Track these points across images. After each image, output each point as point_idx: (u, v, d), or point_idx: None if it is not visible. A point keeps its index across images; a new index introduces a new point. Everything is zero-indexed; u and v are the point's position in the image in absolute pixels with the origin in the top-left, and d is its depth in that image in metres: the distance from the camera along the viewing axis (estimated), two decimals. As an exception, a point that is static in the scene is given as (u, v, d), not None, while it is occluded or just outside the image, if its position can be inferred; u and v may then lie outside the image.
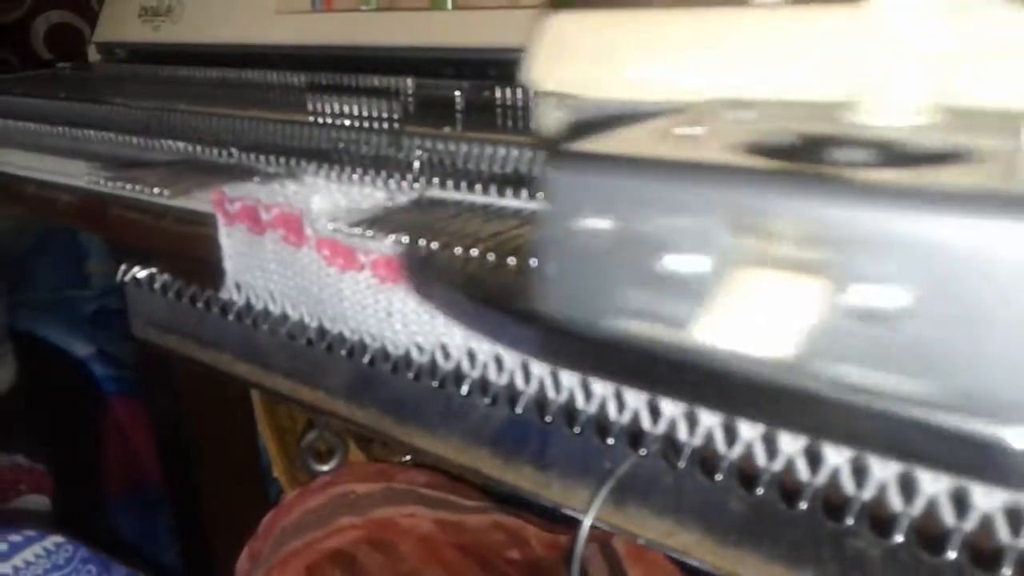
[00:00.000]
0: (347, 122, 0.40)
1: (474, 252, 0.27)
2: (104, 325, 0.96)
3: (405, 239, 0.29)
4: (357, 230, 0.31)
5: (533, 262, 0.23)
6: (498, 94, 0.44)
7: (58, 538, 0.52)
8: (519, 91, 0.44)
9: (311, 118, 0.40)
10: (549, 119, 0.28)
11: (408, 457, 0.70)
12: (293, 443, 0.67)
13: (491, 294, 0.24)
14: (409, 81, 0.47)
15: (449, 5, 0.54)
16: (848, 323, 0.18)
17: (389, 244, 0.31)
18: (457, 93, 0.45)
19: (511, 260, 0.26)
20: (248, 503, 0.71)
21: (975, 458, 0.17)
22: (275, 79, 0.55)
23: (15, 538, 0.51)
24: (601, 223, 0.20)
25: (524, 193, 0.31)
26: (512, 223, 0.29)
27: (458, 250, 0.28)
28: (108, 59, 0.73)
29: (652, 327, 0.20)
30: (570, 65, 0.28)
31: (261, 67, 0.56)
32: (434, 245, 0.28)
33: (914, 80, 0.21)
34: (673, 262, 0.19)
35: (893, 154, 0.19)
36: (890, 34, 0.22)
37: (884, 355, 0.17)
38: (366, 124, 0.39)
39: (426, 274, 0.28)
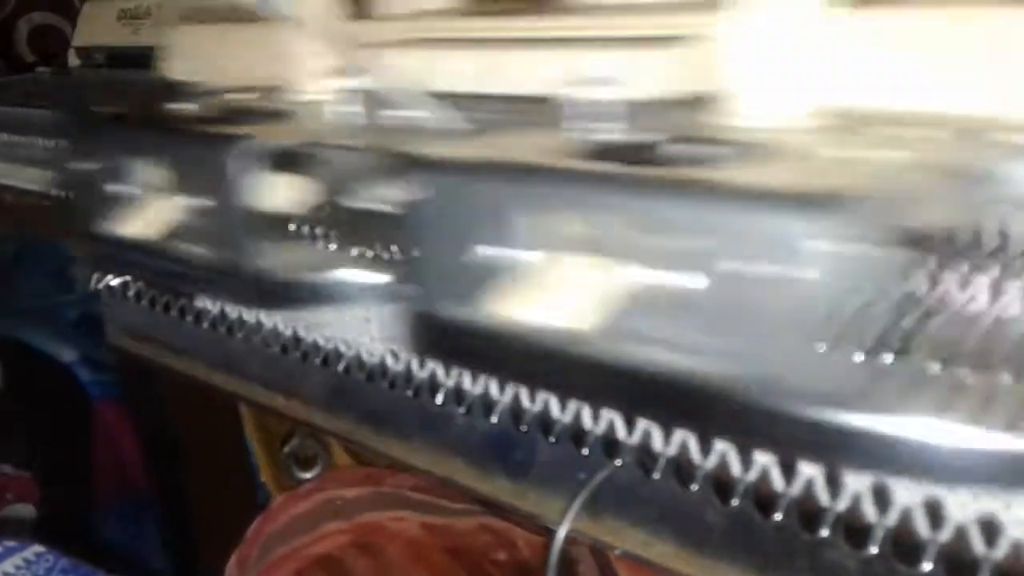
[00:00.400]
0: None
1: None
2: (89, 331, 0.95)
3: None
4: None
5: None
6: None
7: (38, 548, 0.51)
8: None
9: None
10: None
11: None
12: (280, 448, 0.66)
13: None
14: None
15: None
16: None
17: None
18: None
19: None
20: (236, 508, 0.71)
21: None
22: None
23: None
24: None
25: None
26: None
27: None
28: (87, 63, 0.73)
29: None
30: (188, 62, 0.40)
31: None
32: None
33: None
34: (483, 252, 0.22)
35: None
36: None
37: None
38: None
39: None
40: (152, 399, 0.72)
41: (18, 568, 0.49)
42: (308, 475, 0.60)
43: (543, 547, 0.60)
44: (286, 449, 0.61)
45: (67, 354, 0.90)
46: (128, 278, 0.42)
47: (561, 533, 0.27)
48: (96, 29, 0.72)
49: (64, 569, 0.51)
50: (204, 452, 0.73)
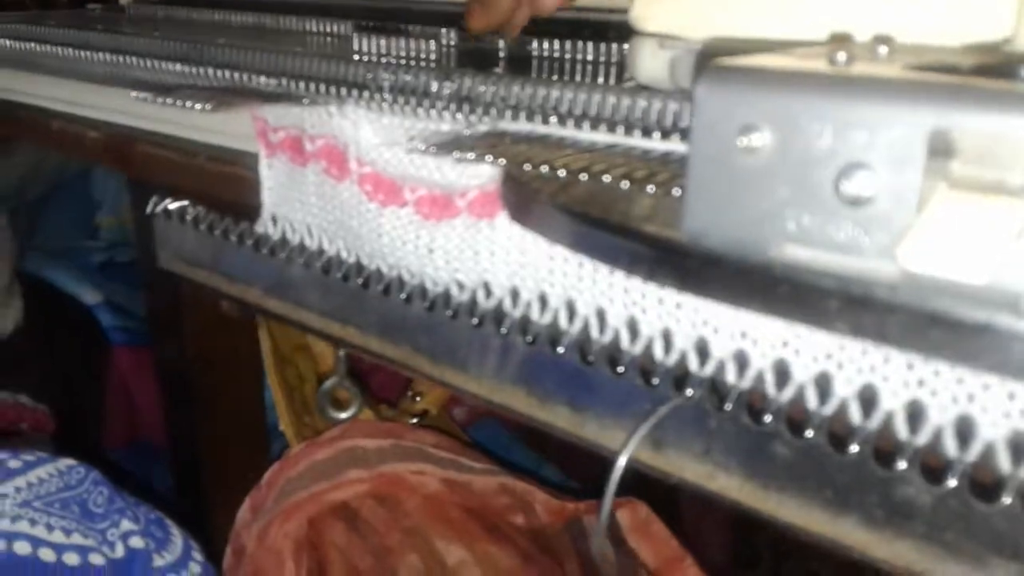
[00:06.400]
0: (392, 60, 0.39)
1: (583, 176, 0.26)
2: (112, 276, 0.95)
3: (502, 162, 0.28)
4: (438, 152, 0.30)
5: (679, 188, 0.23)
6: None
7: (70, 461, 0.52)
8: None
9: (355, 56, 0.40)
10: (648, 60, 0.28)
11: (415, 420, 0.70)
12: (301, 398, 0.67)
13: (618, 219, 0.23)
14: (452, 31, 0.47)
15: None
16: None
17: (446, 170, 0.30)
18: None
19: (624, 184, 0.25)
20: (250, 458, 0.71)
21: None
22: (313, 27, 0.55)
23: (28, 457, 0.50)
24: (772, 142, 0.19)
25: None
26: (572, 151, 0.29)
27: (563, 172, 0.26)
28: (140, 1, 0.73)
29: (829, 255, 0.18)
30: (675, 5, 0.27)
31: (298, 14, 0.56)
32: (544, 168, 0.27)
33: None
34: (860, 183, 0.18)
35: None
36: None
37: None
38: (412, 63, 0.39)
39: (532, 198, 0.26)
40: (176, 342, 0.73)
41: (51, 476, 0.49)
42: (342, 416, 0.61)
43: (562, 512, 0.60)
44: (323, 388, 0.61)
45: (90, 296, 0.91)
46: (186, 203, 0.42)
47: (622, 460, 0.27)
48: (151, -31, 0.73)
49: (95, 481, 0.51)
50: (223, 400, 0.73)
